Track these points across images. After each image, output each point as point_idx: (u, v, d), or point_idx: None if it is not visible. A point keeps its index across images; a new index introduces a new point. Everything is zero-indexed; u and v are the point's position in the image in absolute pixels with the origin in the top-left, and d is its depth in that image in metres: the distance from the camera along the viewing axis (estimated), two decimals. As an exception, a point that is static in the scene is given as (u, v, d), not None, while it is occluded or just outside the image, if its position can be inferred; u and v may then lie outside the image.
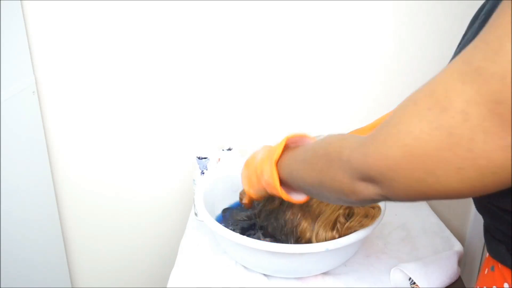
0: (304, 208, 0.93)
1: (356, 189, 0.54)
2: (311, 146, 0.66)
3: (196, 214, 1.14)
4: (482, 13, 0.56)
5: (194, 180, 1.14)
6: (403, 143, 0.45)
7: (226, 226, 0.93)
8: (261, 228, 1.00)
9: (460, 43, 0.63)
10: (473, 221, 1.34)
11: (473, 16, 0.64)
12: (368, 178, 0.51)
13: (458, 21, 1.15)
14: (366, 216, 0.92)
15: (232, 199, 1.15)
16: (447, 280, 0.92)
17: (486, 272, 0.65)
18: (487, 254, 0.67)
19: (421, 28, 1.17)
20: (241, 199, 0.96)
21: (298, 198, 0.76)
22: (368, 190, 0.53)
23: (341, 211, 0.92)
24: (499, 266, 0.61)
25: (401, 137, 0.46)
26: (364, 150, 0.50)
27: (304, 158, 0.65)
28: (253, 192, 0.85)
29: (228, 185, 1.14)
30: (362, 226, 0.89)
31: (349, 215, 0.93)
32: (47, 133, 1.26)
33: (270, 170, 0.73)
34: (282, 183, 0.73)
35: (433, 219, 1.16)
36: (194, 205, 1.16)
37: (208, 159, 1.13)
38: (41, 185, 1.27)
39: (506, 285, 0.59)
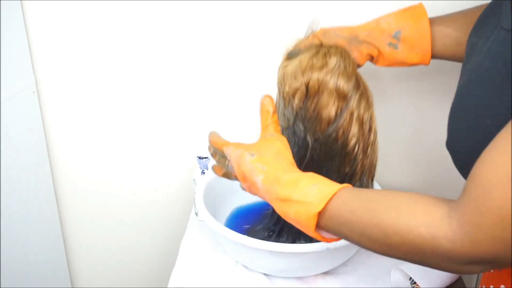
0: None
1: (462, 270, 0.53)
2: (370, 222, 0.56)
3: (196, 214, 1.14)
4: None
5: (194, 180, 1.14)
6: None
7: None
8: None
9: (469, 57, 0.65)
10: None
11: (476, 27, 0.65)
12: (479, 262, 0.50)
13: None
14: None
15: (233, 199, 1.15)
16: (447, 280, 0.92)
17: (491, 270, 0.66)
18: None
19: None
20: (214, 156, 0.86)
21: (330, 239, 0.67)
22: (477, 268, 0.52)
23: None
24: None
25: (509, 214, 0.45)
26: (470, 239, 0.48)
27: (367, 235, 0.57)
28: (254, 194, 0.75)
29: (229, 185, 1.14)
30: None
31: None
32: (47, 133, 1.26)
33: (307, 228, 0.63)
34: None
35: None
36: (195, 205, 1.16)
37: (209, 159, 1.13)
38: (41, 185, 1.27)
39: None
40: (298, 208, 0.63)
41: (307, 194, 0.63)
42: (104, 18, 1.15)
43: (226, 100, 1.24)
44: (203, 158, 1.12)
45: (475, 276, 1.41)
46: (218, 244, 1.02)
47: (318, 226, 0.63)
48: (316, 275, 0.93)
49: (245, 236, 0.85)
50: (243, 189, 0.78)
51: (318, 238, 0.65)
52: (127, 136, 1.27)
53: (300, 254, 0.85)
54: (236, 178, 0.78)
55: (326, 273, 0.93)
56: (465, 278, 1.32)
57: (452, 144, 0.63)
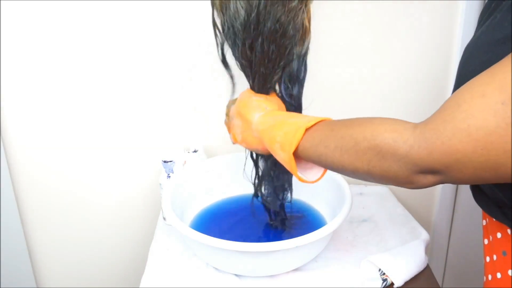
0: None
1: (413, 180, 0.55)
2: (345, 133, 0.63)
3: (164, 219, 1.13)
4: None
5: (160, 184, 1.13)
6: (475, 138, 0.47)
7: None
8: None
9: (482, 21, 0.65)
10: (438, 209, 1.37)
11: None
12: (430, 171, 0.53)
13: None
14: None
15: (200, 201, 1.14)
16: (415, 269, 0.93)
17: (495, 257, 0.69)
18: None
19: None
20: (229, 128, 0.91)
21: (313, 177, 0.76)
22: (427, 179, 0.54)
23: None
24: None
25: (472, 132, 0.47)
26: (427, 145, 0.51)
27: (340, 146, 0.63)
28: (248, 147, 0.85)
29: (196, 187, 1.13)
30: None
31: None
32: (4, 134, 1.23)
33: (288, 160, 0.71)
34: (296, 158, 0.72)
35: (400, 210, 1.18)
36: (162, 209, 1.15)
37: (174, 162, 1.12)
38: (1, 190, 1.24)
39: None
40: (289, 128, 0.71)
41: (299, 119, 0.72)
42: (67, 19, 1.13)
43: (189, 102, 1.23)
44: (168, 162, 1.12)
45: (443, 263, 1.45)
46: (188, 247, 1.01)
47: (297, 154, 0.70)
48: (287, 272, 0.93)
49: (214, 238, 0.85)
50: (226, 124, 0.90)
51: (292, 164, 0.70)
52: (92, 141, 1.25)
53: (270, 252, 0.85)
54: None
55: (296, 270, 0.94)
56: (433, 265, 1.36)
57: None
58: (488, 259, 0.71)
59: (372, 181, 0.62)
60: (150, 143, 1.27)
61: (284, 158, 0.71)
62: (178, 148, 1.22)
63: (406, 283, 0.92)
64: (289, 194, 0.99)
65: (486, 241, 0.72)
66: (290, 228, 1.04)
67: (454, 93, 0.51)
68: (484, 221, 0.73)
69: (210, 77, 1.20)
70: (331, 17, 1.17)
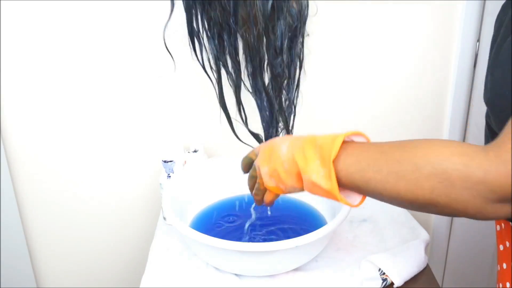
0: None
1: (487, 210, 0.50)
2: (401, 156, 0.56)
3: (164, 218, 1.13)
4: None
5: (160, 184, 1.13)
6: None
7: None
8: None
9: (495, 41, 0.64)
10: (438, 209, 1.37)
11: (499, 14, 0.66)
12: (509, 199, 0.48)
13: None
14: None
15: (200, 201, 1.15)
16: (415, 269, 0.94)
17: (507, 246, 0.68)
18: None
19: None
20: (251, 188, 0.81)
21: (353, 201, 0.67)
22: (503, 209, 0.49)
23: None
24: None
25: None
26: (507, 169, 0.46)
27: (396, 171, 0.55)
28: (282, 189, 0.72)
29: (196, 187, 1.13)
30: None
31: None
32: (4, 134, 1.23)
33: (327, 174, 0.62)
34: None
35: (399, 209, 1.17)
36: (162, 209, 1.15)
37: (174, 162, 1.13)
38: (1, 189, 1.24)
39: None
40: (323, 140, 0.63)
41: (333, 134, 0.64)
42: (67, 20, 1.13)
43: (189, 102, 1.23)
44: (168, 161, 1.12)
45: (442, 263, 1.45)
46: (188, 247, 1.01)
47: (340, 180, 0.62)
48: (287, 272, 0.93)
49: (214, 238, 0.85)
50: (252, 187, 0.79)
51: (332, 178, 0.62)
52: (92, 141, 1.25)
53: (270, 252, 0.85)
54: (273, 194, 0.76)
55: (297, 269, 0.94)
56: (433, 265, 1.35)
57: (492, 99, 0.61)
58: (505, 265, 0.71)
59: (433, 212, 0.55)
60: (150, 143, 1.27)
61: (324, 174, 0.62)
62: (178, 148, 1.22)
63: (406, 283, 0.92)
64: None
65: (501, 247, 0.71)
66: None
67: None
68: (498, 226, 0.71)
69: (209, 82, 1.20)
70: (331, 17, 1.17)
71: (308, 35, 0.84)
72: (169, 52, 0.88)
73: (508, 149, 0.46)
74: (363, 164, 0.59)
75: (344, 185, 0.63)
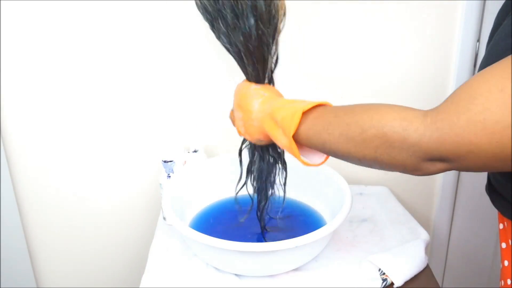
0: None
1: (421, 167, 0.56)
2: (351, 120, 0.62)
3: (164, 218, 1.13)
4: None
5: (160, 184, 1.13)
6: (491, 131, 0.47)
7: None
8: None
9: (494, 30, 0.66)
10: (438, 209, 1.37)
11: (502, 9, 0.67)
12: (440, 159, 0.53)
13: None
14: None
15: (200, 201, 1.14)
16: (415, 269, 0.93)
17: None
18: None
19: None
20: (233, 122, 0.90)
21: (316, 160, 0.74)
22: (435, 167, 0.55)
23: None
24: None
25: (488, 125, 0.47)
26: (439, 135, 0.51)
27: (345, 134, 0.62)
28: (251, 139, 0.83)
29: (196, 187, 1.13)
30: None
31: None
32: (4, 134, 1.23)
33: (288, 144, 0.70)
34: (299, 145, 0.71)
35: (399, 209, 1.18)
36: (162, 209, 1.15)
37: (174, 162, 1.12)
38: (1, 189, 1.24)
39: None
40: (286, 112, 0.70)
41: (297, 103, 0.70)
42: (66, 21, 1.13)
43: (189, 102, 1.23)
44: (168, 161, 1.12)
45: (442, 263, 1.45)
46: (188, 247, 1.01)
47: (298, 140, 0.69)
48: (287, 272, 0.93)
49: (214, 238, 0.85)
50: (231, 119, 0.88)
51: (293, 147, 0.69)
52: (92, 141, 1.25)
53: (270, 252, 0.85)
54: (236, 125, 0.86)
55: (296, 269, 0.94)
56: (433, 265, 1.36)
57: None
58: (506, 263, 0.71)
59: (378, 168, 0.62)
60: (150, 143, 1.27)
61: (285, 143, 0.71)
62: (178, 148, 1.22)
63: (406, 283, 0.92)
64: (272, 192, 0.97)
65: (504, 245, 0.72)
66: (280, 229, 1.04)
67: (468, 82, 0.51)
68: (501, 224, 0.73)
69: (210, 77, 1.20)
70: (331, 16, 1.17)
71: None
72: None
73: (444, 117, 0.51)
74: (319, 127, 0.66)
75: (306, 146, 0.70)
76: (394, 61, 1.22)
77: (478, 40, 1.20)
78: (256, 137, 0.81)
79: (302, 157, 0.72)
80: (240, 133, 0.87)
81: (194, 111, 1.24)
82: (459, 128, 0.49)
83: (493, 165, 0.50)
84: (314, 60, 1.21)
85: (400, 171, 0.59)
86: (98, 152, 1.26)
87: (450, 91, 1.26)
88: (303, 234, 0.85)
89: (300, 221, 1.08)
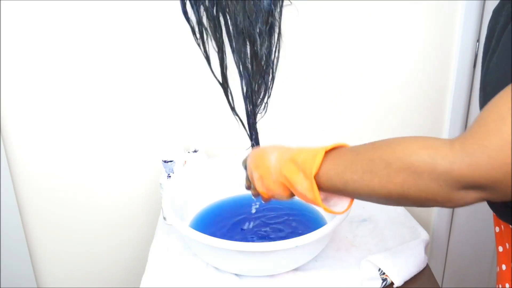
0: None
1: (454, 197, 0.52)
2: (374, 155, 0.59)
3: (164, 218, 1.13)
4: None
5: (161, 184, 1.13)
6: None
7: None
8: None
9: (487, 49, 0.65)
10: (438, 209, 1.37)
11: (491, 22, 0.67)
12: (474, 187, 0.50)
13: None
14: None
15: (200, 201, 1.15)
16: (415, 269, 0.94)
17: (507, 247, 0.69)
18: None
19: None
20: (248, 188, 0.87)
21: (340, 209, 0.72)
22: (469, 196, 0.52)
23: None
24: None
25: None
26: (471, 160, 0.48)
27: (369, 170, 0.59)
28: (268, 195, 0.79)
29: (196, 187, 1.13)
30: None
31: None
32: (4, 134, 1.23)
33: (309, 186, 0.67)
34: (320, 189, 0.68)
35: (399, 209, 1.18)
36: (162, 209, 1.15)
37: (174, 162, 1.13)
38: (1, 189, 1.24)
39: None
40: (307, 154, 0.68)
41: (316, 148, 0.68)
42: (65, 21, 1.13)
43: (189, 102, 1.23)
44: (168, 161, 1.12)
45: (442, 263, 1.45)
46: (188, 247, 1.01)
47: (319, 183, 0.66)
48: (287, 272, 0.93)
49: (214, 238, 0.85)
50: (248, 187, 0.85)
51: (314, 189, 0.67)
52: (92, 141, 1.25)
53: (270, 252, 0.85)
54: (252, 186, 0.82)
55: (296, 269, 0.94)
56: (432, 265, 1.36)
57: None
58: (504, 267, 0.71)
59: (407, 205, 0.59)
60: (150, 143, 1.27)
61: (307, 186, 0.68)
62: (178, 148, 1.22)
63: (406, 282, 0.92)
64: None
65: (501, 249, 0.72)
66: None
67: (493, 103, 0.49)
68: (497, 228, 0.72)
69: (210, 77, 1.20)
70: (330, 16, 1.17)
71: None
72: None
73: (474, 141, 0.49)
74: (341, 167, 0.63)
75: (327, 190, 0.67)
76: (394, 61, 1.22)
77: (478, 40, 1.20)
78: (278, 193, 0.76)
79: (324, 203, 0.69)
80: (257, 194, 0.83)
81: (194, 111, 1.24)
82: (492, 150, 0.47)
83: None
84: (313, 60, 1.21)
85: (431, 205, 0.56)
86: (98, 152, 1.26)
87: (450, 91, 1.26)
88: (303, 234, 0.85)
89: (300, 221, 1.08)
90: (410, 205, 0.58)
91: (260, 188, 0.79)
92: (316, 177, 0.66)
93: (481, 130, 0.49)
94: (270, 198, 0.80)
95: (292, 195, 0.75)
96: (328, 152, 0.66)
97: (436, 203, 0.55)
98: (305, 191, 0.68)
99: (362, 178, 0.60)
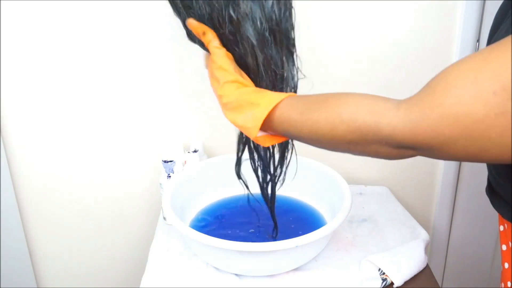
0: None
1: (393, 154, 0.56)
2: (319, 117, 0.60)
3: (164, 218, 1.13)
4: None
5: (161, 184, 1.13)
6: (463, 124, 0.47)
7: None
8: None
9: (493, 32, 0.66)
10: (438, 209, 1.37)
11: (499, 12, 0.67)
12: (412, 147, 0.53)
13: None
14: None
15: (200, 201, 1.14)
16: (415, 269, 0.94)
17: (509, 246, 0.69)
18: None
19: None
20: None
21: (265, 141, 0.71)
22: (407, 153, 0.55)
23: None
24: None
25: (460, 118, 0.47)
26: (412, 127, 0.51)
27: (315, 131, 0.61)
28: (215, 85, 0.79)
29: (196, 187, 1.13)
30: None
31: None
32: (4, 134, 1.23)
33: (258, 116, 0.66)
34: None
35: (399, 209, 1.18)
36: (162, 209, 1.15)
37: (174, 162, 1.12)
38: (1, 189, 1.24)
39: None
40: (247, 116, 0.68)
41: (264, 98, 0.67)
42: (65, 21, 1.13)
43: (189, 102, 1.23)
44: (168, 161, 1.12)
45: (442, 263, 1.45)
46: (188, 247, 1.01)
47: (267, 130, 0.68)
48: (287, 272, 0.93)
49: (214, 238, 0.85)
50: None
51: (261, 139, 0.69)
52: (92, 141, 1.25)
53: (270, 252, 0.85)
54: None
55: (296, 269, 0.94)
56: (432, 265, 1.36)
57: None
58: (507, 265, 0.71)
59: (347, 152, 0.62)
60: (150, 143, 1.27)
61: (257, 115, 0.67)
62: (178, 148, 1.23)
63: (406, 282, 0.92)
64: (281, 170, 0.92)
65: (504, 247, 0.72)
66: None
67: (443, 73, 0.50)
68: (501, 226, 0.72)
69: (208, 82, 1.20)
70: (329, 14, 1.17)
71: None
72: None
73: (417, 109, 0.51)
74: (285, 125, 0.64)
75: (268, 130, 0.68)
76: (394, 61, 1.22)
77: (478, 40, 1.20)
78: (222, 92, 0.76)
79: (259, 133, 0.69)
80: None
81: (194, 111, 1.24)
82: (432, 120, 0.49)
83: (464, 158, 0.50)
84: (312, 58, 1.21)
85: (370, 156, 0.60)
86: (98, 152, 1.26)
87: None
88: (303, 234, 0.85)
89: (300, 221, 1.08)
90: (351, 153, 0.61)
91: (214, 90, 0.80)
92: (266, 118, 0.66)
93: (427, 98, 0.50)
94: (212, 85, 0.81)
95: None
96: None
97: (377, 157, 0.59)
98: (252, 117, 0.67)
99: (309, 137, 0.62)
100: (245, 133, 0.69)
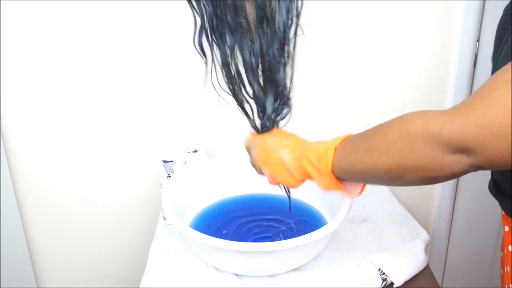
0: None
1: (445, 163, 0.53)
2: (374, 132, 0.62)
3: (164, 218, 1.13)
4: None
5: (161, 184, 1.13)
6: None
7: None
8: None
9: (498, 45, 0.66)
10: (438, 209, 1.37)
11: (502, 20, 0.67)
12: (463, 150, 0.51)
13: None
14: None
15: (200, 201, 1.14)
16: (415, 269, 0.93)
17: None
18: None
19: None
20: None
21: (354, 191, 0.73)
22: (460, 161, 0.52)
23: None
24: None
25: (508, 106, 0.46)
26: (460, 122, 0.50)
27: (369, 146, 0.61)
28: (291, 187, 0.81)
29: (196, 187, 1.13)
30: None
31: None
32: (4, 134, 1.23)
33: (329, 182, 0.69)
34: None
35: (399, 209, 1.18)
36: (162, 209, 1.15)
37: (174, 162, 1.13)
38: (1, 189, 1.24)
39: None
40: (318, 154, 0.70)
41: (325, 145, 0.70)
42: (66, 21, 1.13)
43: (189, 102, 1.23)
44: (168, 162, 1.12)
45: (442, 263, 1.45)
46: (188, 247, 1.01)
47: (335, 175, 0.68)
48: (287, 272, 0.93)
49: (214, 238, 0.85)
50: (260, 173, 0.84)
51: (333, 181, 0.69)
52: (92, 142, 1.25)
53: (270, 252, 0.85)
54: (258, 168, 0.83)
55: (297, 269, 0.94)
56: (432, 266, 1.36)
57: None
58: (507, 268, 0.71)
59: (408, 181, 0.59)
60: (150, 143, 1.27)
61: (327, 182, 0.69)
62: (178, 148, 1.23)
63: (406, 282, 0.92)
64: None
65: (510, 248, 0.72)
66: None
67: (486, 81, 0.51)
68: (506, 227, 0.72)
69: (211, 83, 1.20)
70: (330, 17, 1.17)
71: (303, 33, 0.83)
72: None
73: (465, 105, 0.50)
74: (347, 152, 0.66)
75: (341, 178, 0.68)
76: (394, 61, 1.22)
77: (478, 40, 1.20)
78: (296, 185, 0.79)
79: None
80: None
81: (194, 111, 1.24)
82: (480, 112, 0.48)
83: None
84: (312, 59, 1.21)
85: (422, 175, 0.57)
86: (98, 152, 1.26)
87: (450, 90, 1.26)
88: (303, 234, 0.85)
89: (300, 221, 1.08)
90: (410, 181, 0.59)
91: (272, 181, 0.81)
92: (331, 172, 0.68)
93: (474, 97, 0.50)
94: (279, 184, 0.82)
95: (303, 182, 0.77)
96: (340, 143, 0.68)
97: (431, 172, 0.55)
98: (327, 185, 0.70)
99: (364, 156, 0.62)
100: (321, 173, 0.71)
